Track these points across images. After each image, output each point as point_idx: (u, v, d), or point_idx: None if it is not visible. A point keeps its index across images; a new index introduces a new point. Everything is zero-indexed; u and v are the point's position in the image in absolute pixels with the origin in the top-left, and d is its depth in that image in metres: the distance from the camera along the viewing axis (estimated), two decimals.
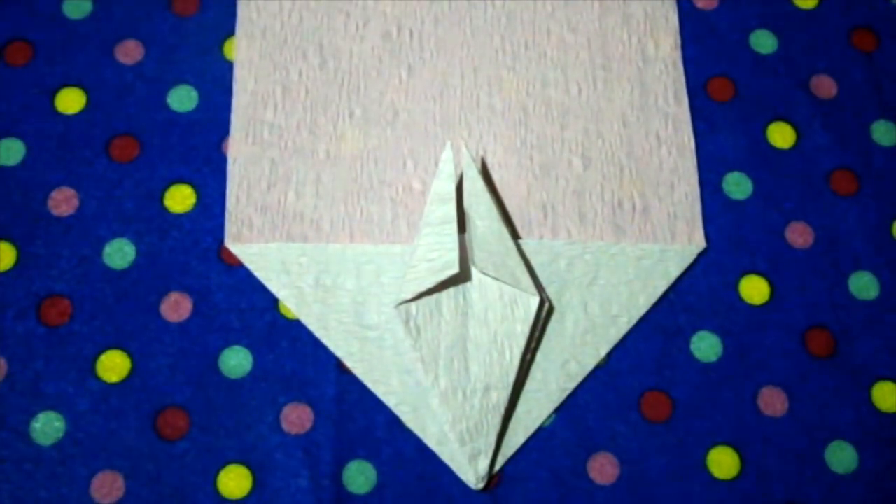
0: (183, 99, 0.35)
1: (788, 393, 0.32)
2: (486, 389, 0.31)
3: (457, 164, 0.33)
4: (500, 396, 0.30)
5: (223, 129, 0.35)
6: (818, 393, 0.32)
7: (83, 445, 0.30)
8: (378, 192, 0.34)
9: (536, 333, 0.32)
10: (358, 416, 0.31)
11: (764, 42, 0.38)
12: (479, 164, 0.34)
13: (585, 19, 0.37)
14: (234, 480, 0.30)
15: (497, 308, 0.31)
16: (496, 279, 0.31)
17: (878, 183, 0.35)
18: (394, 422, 0.31)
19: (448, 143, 0.33)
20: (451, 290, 0.31)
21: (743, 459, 0.31)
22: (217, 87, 0.36)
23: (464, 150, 0.33)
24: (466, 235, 0.32)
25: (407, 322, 0.30)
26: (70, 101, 0.35)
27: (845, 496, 0.31)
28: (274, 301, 0.33)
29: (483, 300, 0.31)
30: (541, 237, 0.34)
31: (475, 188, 0.32)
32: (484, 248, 0.31)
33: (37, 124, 0.35)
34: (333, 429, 0.31)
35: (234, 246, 0.33)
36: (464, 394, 0.31)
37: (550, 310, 0.32)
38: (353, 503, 0.30)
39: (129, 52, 0.36)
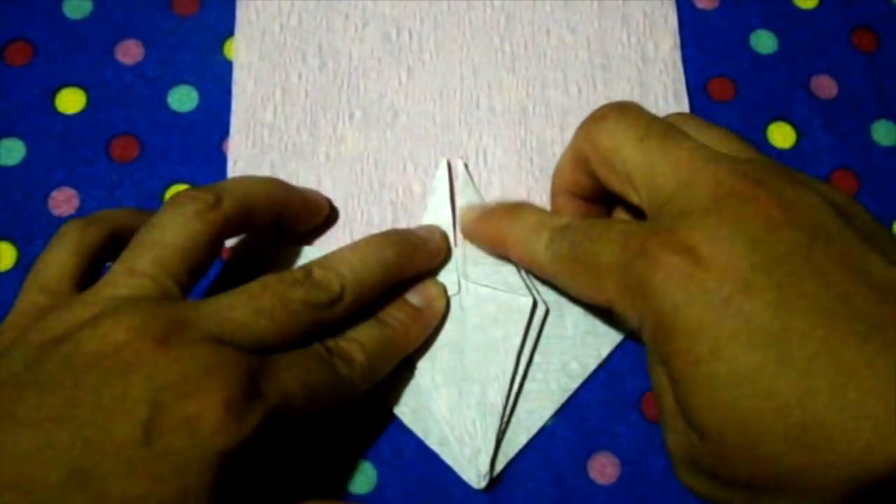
0: (183, 99, 0.35)
1: None
2: (484, 390, 0.31)
3: (452, 180, 0.33)
4: (498, 396, 0.31)
5: (223, 130, 0.35)
6: None
7: None
8: (378, 194, 0.34)
9: (533, 335, 0.32)
10: (358, 417, 0.31)
11: (764, 42, 0.38)
12: (473, 180, 0.34)
13: (584, 20, 0.37)
14: None
15: (492, 313, 0.31)
16: (487, 286, 0.32)
17: (878, 183, 0.35)
18: (394, 422, 0.31)
19: (443, 161, 0.33)
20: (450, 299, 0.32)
21: None
22: (217, 87, 0.36)
23: (459, 167, 0.33)
24: (458, 248, 0.32)
25: None
26: (70, 101, 0.35)
27: None
28: None
29: (478, 308, 0.32)
30: None
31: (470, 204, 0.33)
32: (476, 262, 0.32)
33: (37, 124, 0.35)
34: (333, 429, 0.31)
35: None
36: (461, 394, 0.31)
37: (548, 311, 0.32)
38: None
39: (129, 52, 0.36)
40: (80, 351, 0.23)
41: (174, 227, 0.26)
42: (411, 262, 0.30)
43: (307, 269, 0.27)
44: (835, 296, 0.22)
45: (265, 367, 0.25)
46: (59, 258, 0.27)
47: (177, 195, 0.27)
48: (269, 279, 0.26)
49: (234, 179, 0.30)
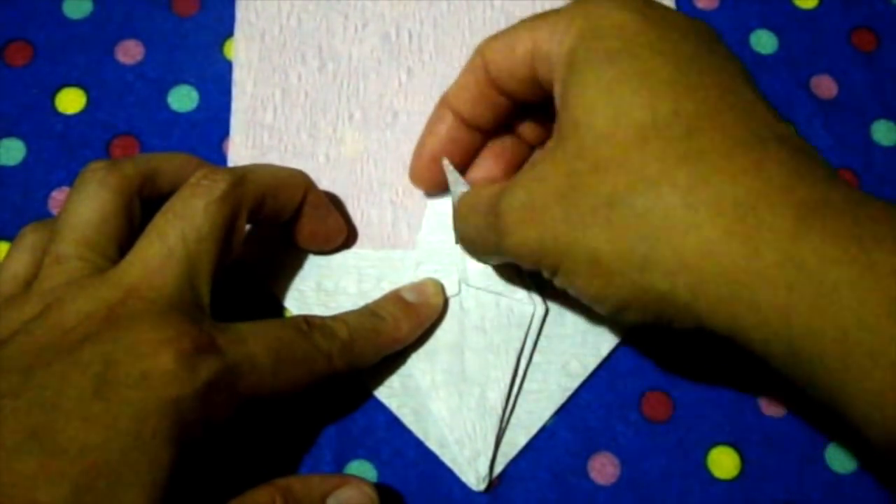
0: (183, 99, 0.35)
1: (789, 393, 0.32)
2: (484, 392, 0.31)
3: (453, 181, 0.33)
4: (498, 399, 0.31)
5: (223, 130, 0.35)
6: None
7: None
8: (378, 194, 0.34)
9: (533, 336, 0.32)
10: (358, 416, 0.31)
11: (764, 42, 0.38)
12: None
13: None
14: None
15: (493, 315, 0.32)
16: (490, 291, 0.32)
17: (878, 183, 0.35)
18: (394, 422, 0.31)
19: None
20: (449, 300, 0.32)
21: (743, 459, 0.31)
22: (217, 87, 0.36)
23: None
24: (459, 248, 0.32)
25: None
26: (70, 101, 0.35)
27: (845, 496, 0.31)
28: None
29: (479, 309, 0.32)
30: None
31: None
32: (477, 261, 0.32)
33: (37, 124, 0.35)
34: (333, 429, 0.31)
35: None
36: (461, 396, 0.31)
37: (548, 310, 0.32)
38: None
39: (129, 52, 0.36)
40: (33, 339, 0.24)
41: (85, 203, 0.27)
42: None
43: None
44: (741, 71, 0.25)
45: (228, 329, 0.26)
46: (15, 262, 0.28)
47: (82, 171, 0.28)
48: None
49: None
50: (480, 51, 0.28)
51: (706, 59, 0.24)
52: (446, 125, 0.30)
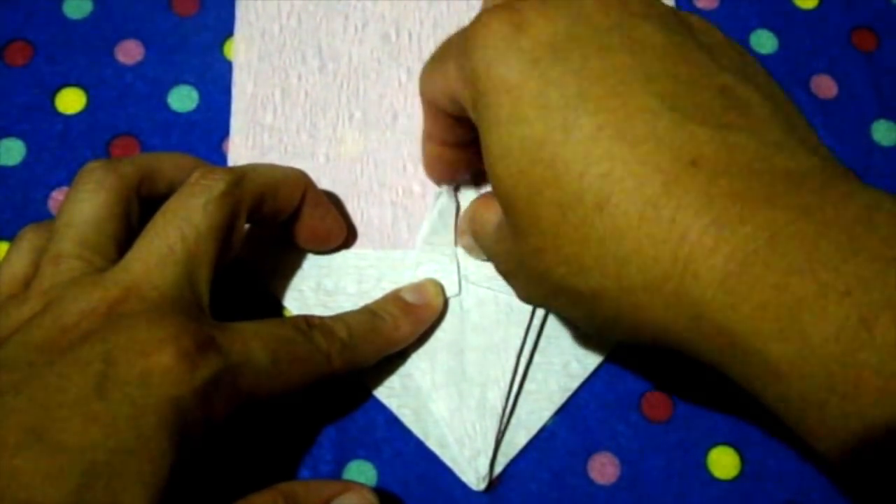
0: (183, 99, 0.35)
1: None
2: (484, 392, 0.31)
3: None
4: (498, 398, 0.31)
5: (223, 130, 0.35)
6: None
7: None
8: (378, 195, 0.34)
9: (533, 336, 0.32)
10: (358, 416, 0.31)
11: (764, 42, 0.38)
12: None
13: None
14: None
15: (492, 314, 0.32)
16: (489, 289, 0.32)
17: (879, 183, 0.35)
18: (394, 422, 0.31)
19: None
20: (448, 300, 0.32)
21: (743, 459, 0.31)
22: (217, 87, 0.36)
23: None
24: (459, 248, 0.33)
25: None
26: (70, 101, 0.35)
27: (845, 496, 0.31)
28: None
29: (479, 308, 0.32)
30: None
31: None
32: (477, 261, 0.32)
33: (37, 124, 0.35)
34: (333, 429, 0.31)
35: None
36: (461, 396, 0.31)
37: (548, 311, 0.32)
38: None
39: (129, 52, 0.36)
40: (33, 338, 0.24)
41: (83, 203, 0.27)
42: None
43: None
44: (642, 73, 0.21)
45: (228, 328, 0.26)
46: (14, 262, 0.28)
47: (80, 171, 0.28)
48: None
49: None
50: (420, 86, 0.28)
51: (599, 85, 0.21)
52: (431, 147, 0.31)
